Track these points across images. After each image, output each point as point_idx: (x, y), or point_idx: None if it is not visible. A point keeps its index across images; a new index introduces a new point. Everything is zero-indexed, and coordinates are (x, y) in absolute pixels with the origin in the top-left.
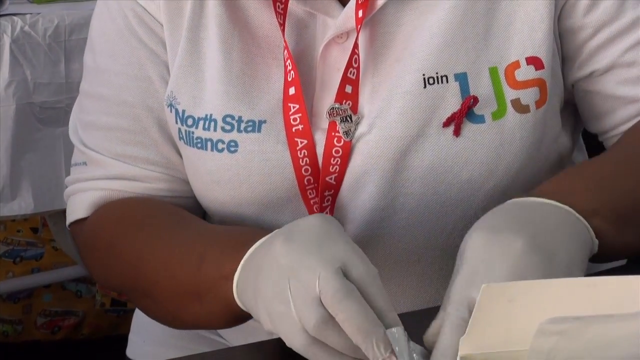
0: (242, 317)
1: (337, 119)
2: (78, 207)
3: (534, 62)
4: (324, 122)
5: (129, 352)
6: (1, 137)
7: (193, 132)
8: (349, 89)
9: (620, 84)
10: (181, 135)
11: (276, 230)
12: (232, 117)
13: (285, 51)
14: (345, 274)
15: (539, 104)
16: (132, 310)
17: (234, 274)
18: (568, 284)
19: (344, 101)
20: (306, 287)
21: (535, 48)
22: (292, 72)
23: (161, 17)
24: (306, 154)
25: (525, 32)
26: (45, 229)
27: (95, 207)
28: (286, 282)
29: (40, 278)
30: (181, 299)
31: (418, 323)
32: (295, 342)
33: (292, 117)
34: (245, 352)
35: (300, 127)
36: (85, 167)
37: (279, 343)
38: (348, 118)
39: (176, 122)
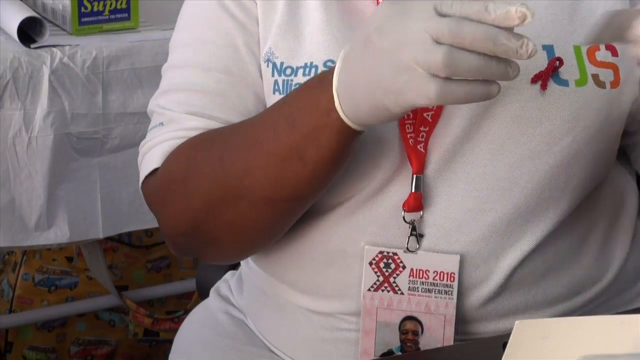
0: (351, 147)
1: None
2: (153, 159)
3: (610, 48)
4: None
5: None
6: (38, 166)
7: (292, 80)
8: None
9: None
10: (277, 87)
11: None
12: (333, 62)
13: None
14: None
15: (613, 84)
16: (165, 341)
17: (333, 103)
18: (600, 321)
19: None
20: (415, 39)
21: None
22: None
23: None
24: None
25: None
26: (80, 259)
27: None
28: (393, 52)
29: (75, 307)
30: (279, 170)
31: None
32: (429, 91)
33: None
34: None
35: None
36: (162, 127)
37: None
38: None
39: (272, 75)
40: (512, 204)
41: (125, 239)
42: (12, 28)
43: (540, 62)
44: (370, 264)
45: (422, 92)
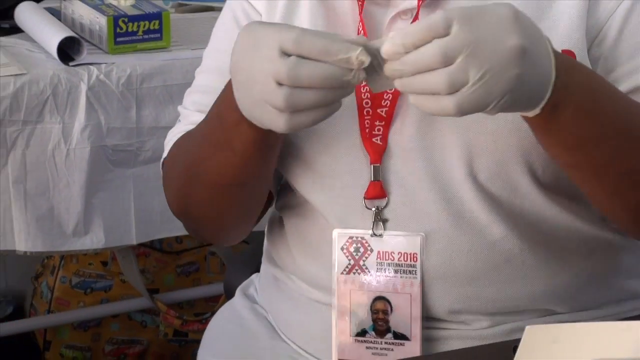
0: (273, 138)
1: None
2: (166, 151)
3: (569, 53)
4: None
5: None
6: (76, 176)
7: None
8: None
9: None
10: None
11: None
12: None
13: (360, 25)
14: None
15: None
16: (193, 342)
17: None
18: (609, 327)
19: None
20: (261, 79)
21: (572, 44)
22: None
23: (261, 9)
24: (367, 89)
25: (567, 29)
26: (114, 263)
27: None
28: (246, 88)
29: (109, 308)
30: (217, 159)
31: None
32: (279, 123)
33: None
34: None
35: None
36: (179, 123)
37: None
38: None
39: None
40: (473, 197)
41: (156, 245)
42: (52, 47)
43: None
44: (342, 248)
45: (274, 124)
